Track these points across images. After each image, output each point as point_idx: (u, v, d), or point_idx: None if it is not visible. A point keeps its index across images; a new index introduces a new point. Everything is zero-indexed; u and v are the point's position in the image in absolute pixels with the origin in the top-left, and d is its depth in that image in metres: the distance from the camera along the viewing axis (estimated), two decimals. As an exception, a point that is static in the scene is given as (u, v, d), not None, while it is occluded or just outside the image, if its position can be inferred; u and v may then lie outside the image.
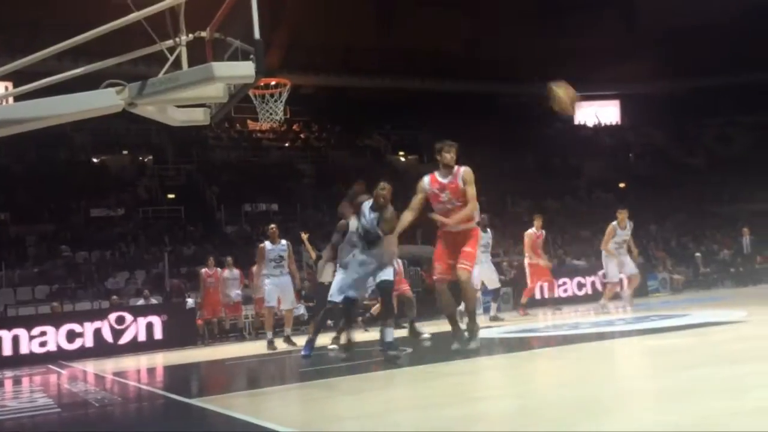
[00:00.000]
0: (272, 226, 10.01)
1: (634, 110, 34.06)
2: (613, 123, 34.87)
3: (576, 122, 33.95)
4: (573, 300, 16.61)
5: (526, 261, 12.90)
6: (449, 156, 6.24)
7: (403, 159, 28.60)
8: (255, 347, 10.39)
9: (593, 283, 17.36)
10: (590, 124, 34.18)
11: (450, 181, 6.19)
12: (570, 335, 7.65)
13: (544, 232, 13.10)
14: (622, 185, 28.09)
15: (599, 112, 34.48)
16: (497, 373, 5.19)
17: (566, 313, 12.54)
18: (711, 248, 21.58)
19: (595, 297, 16.93)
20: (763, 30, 28.44)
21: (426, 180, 6.32)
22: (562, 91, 6.27)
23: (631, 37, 31.12)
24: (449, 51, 30.06)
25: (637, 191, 26.66)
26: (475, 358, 6.02)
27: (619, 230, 11.01)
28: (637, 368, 4.74)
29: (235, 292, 13.67)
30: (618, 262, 11.03)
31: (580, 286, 17.43)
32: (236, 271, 13.84)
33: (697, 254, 20.38)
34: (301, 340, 9.74)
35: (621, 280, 11.82)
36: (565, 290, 17.04)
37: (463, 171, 6.21)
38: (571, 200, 26.31)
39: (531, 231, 12.78)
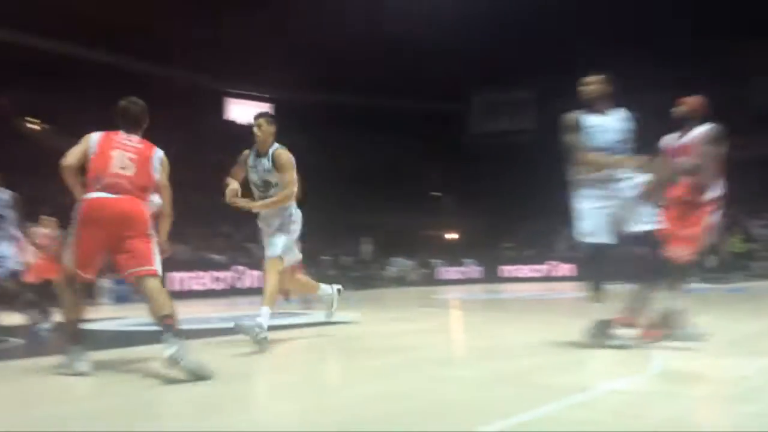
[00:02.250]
0: None
1: (285, 114, 35.89)
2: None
3: (225, 118, 34.50)
4: (210, 294, 16.77)
5: None
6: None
7: (34, 126, 25.63)
8: None
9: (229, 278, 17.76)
10: (241, 122, 35.00)
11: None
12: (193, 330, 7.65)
13: None
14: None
15: (252, 113, 35.47)
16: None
17: (200, 308, 12.54)
18: (335, 253, 23.72)
19: (231, 292, 17.36)
20: (400, 62, 32.62)
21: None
22: None
23: (285, 45, 32.65)
24: (103, 18, 27.93)
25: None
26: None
27: None
28: (254, 365, 4.94)
29: None
30: None
31: (217, 279, 17.68)
32: None
33: (323, 257, 22.25)
34: None
35: None
36: (202, 284, 17.15)
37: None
38: (218, 195, 26.47)
39: None
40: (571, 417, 2.98)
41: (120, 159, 4.56)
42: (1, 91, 25.53)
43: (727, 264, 21.02)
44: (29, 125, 25.57)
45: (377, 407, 3.28)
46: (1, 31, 26.15)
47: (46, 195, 20.17)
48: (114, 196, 4.43)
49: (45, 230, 9.74)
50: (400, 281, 24.44)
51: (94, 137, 4.69)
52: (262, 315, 5.39)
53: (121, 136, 4.69)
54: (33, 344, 6.65)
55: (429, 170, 35.05)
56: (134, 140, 4.71)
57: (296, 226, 6.02)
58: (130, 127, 4.77)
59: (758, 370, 3.96)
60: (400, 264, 25.40)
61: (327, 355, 5.64)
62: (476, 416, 3.02)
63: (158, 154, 4.75)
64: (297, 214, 6.07)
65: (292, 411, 3.28)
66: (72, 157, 4.60)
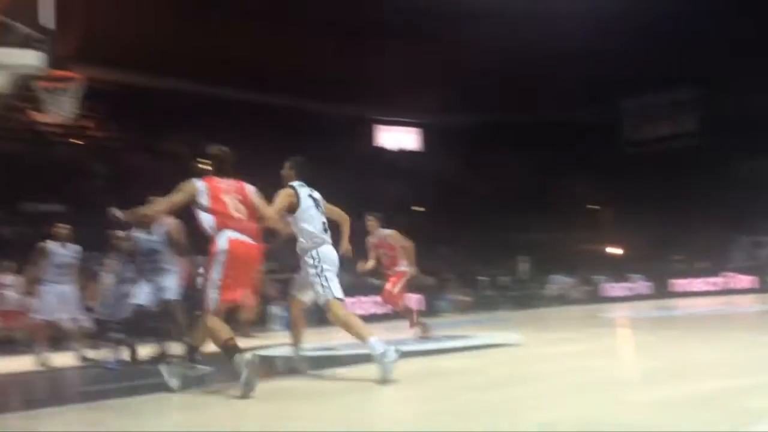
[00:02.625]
0: (63, 225, 8.94)
1: (432, 139, 36.32)
2: (413, 149, 36.81)
3: (377, 144, 35.44)
4: (373, 318, 17.11)
5: None
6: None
7: (205, 167, 27.77)
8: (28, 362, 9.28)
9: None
10: (391, 147, 35.79)
11: None
12: (362, 354, 7.79)
13: None
14: (418, 209, 29.63)
15: (400, 138, 36.24)
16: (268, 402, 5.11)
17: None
18: (492, 273, 23.41)
19: (392, 316, 17.63)
20: (544, 76, 31.97)
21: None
22: None
23: (434, 69, 33.06)
24: (257, 61, 29.83)
25: (431, 216, 28.25)
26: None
27: None
28: (420, 390, 4.92)
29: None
30: None
31: (376, 304, 17.99)
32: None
33: (481, 277, 22.02)
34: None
35: None
36: (363, 308, 17.57)
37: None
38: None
39: None
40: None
41: (233, 203, 5.04)
42: (176, 137, 28.07)
43: None
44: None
45: None
46: (175, 80, 28.79)
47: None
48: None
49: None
50: (562, 300, 23.55)
51: (200, 184, 5.15)
52: (372, 345, 5.12)
53: (224, 182, 5.20)
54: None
55: (582, 183, 33.78)
56: (233, 183, 5.22)
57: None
58: (228, 171, 5.32)
59: None
60: (559, 281, 24.51)
61: (489, 380, 5.47)
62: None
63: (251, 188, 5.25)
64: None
65: None
66: (166, 204, 5.28)
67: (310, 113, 32.18)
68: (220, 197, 4.99)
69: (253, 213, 5.08)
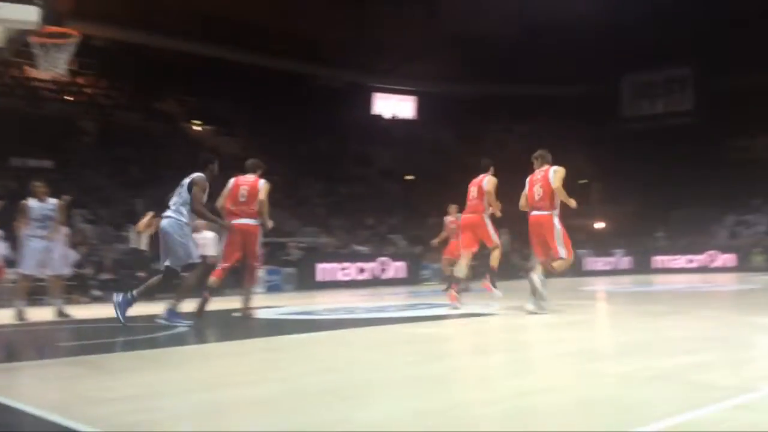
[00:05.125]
0: (38, 183, 9.11)
1: (428, 107, 36.11)
2: (408, 117, 36.65)
3: (372, 112, 35.21)
4: (354, 284, 17.26)
5: None
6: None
7: (198, 128, 27.60)
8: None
9: (373, 269, 18.20)
10: (386, 115, 35.57)
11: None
12: (343, 320, 7.97)
13: None
14: (409, 177, 29.63)
15: (396, 106, 36.04)
16: (263, 356, 5.25)
17: (344, 298, 12.98)
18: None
19: (374, 282, 17.81)
20: (541, 47, 31.77)
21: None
22: None
23: (430, 38, 32.81)
24: (256, 23, 29.49)
25: (423, 185, 28.32)
26: (244, 340, 6.17)
27: None
28: (398, 355, 5.04)
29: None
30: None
31: (361, 270, 18.15)
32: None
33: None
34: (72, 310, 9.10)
35: None
36: (347, 274, 17.66)
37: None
38: (360, 187, 27.24)
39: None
40: (733, 420, 2.79)
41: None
42: (170, 97, 27.84)
43: None
44: (195, 128, 27.56)
45: (524, 402, 3.23)
46: (172, 41, 28.39)
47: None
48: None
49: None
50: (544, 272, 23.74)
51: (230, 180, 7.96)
52: None
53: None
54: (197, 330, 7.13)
55: (576, 157, 33.82)
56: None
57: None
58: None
59: None
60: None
61: (465, 348, 5.64)
62: (628, 415, 2.91)
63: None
64: None
65: (436, 405, 3.28)
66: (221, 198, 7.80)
67: (308, 77, 31.93)
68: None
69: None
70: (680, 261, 25.43)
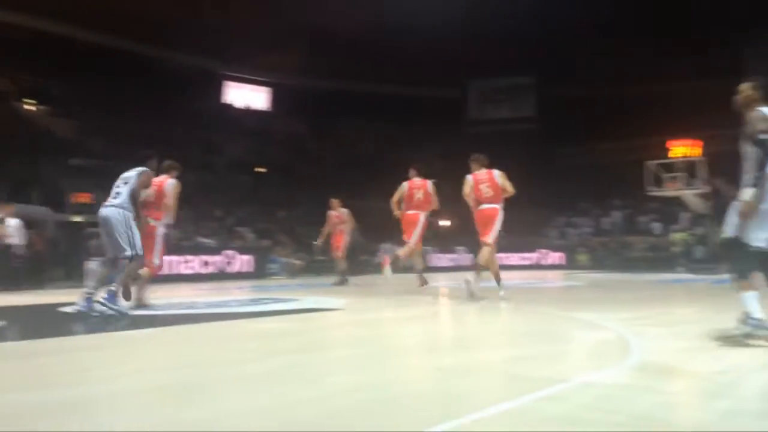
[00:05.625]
0: None
1: (282, 100, 35.77)
2: (261, 108, 36.07)
3: (224, 101, 34.32)
4: (197, 278, 16.68)
5: None
6: None
7: (31, 107, 25.50)
8: None
9: (218, 263, 17.72)
10: (239, 105, 34.79)
11: None
12: (179, 315, 7.67)
13: None
14: (260, 169, 29.17)
15: (249, 96, 35.34)
16: (85, 354, 4.93)
17: (185, 292, 12.53)
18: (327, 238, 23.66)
19: (219, 276, 17.33)
20: (398, 48, 32.50)
21: None
22: None
23: (287, 30, 32.45)
24: (101, 0, 27.67)
25: (274, 177, 27.98)
26: (66, 337, 5.77)
27: None
28: (235, 352, 4.93)
29: None
30: None
31: (206, 264, 17.60)
32: None
33: (315, 242, 22.19)
34: None
35: None
36: (190, 267, 17.05)
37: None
38: (208, 177, 26.43)
39: None
40: (541, 411, 2.98)
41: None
42: (2, 75, 25.43)
43: (715, 255, 21.03)
44: (27, 107, 25.42)
45: (350, 399, 3.27)
46: (4, 14, 25.97)
47: (38, 176, 20.14)
48: None
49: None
50: (392, 268, 24.32)
51: None
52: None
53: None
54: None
55: (429, 157, 34.91)
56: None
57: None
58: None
59: (733, 365, 3.97)
60: (389, 250, 25.29)
61: (304, 344, 5.63)
62: (445, 408, 3.02)
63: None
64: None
65: (263, 404, 3.24)
66: None
67: (155, 60, 30.43)
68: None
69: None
70: (515, 258, 27.04)
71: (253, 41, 30.72)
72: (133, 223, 7.13)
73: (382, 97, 35.60)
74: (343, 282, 14.16)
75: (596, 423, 2.79)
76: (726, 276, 16.80)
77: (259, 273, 18.33)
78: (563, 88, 35.05)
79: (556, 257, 26.66)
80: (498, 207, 9.53)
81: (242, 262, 18.36)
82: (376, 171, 29.75)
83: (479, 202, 9.50)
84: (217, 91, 34.99)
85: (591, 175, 30.28)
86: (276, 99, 36.26)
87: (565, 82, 34.63)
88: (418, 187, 11.10)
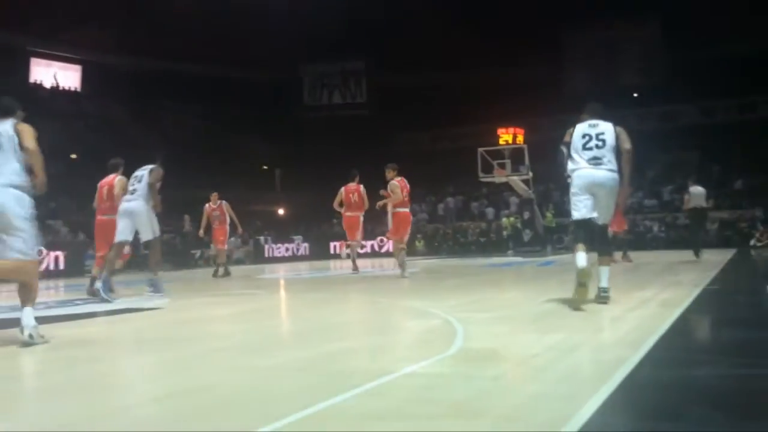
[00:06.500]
0: None
1: (96, 79, 33.25)
2: (72, 88, 33.33)
3: (32, 81, 31.35)
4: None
5: None
6: None
7: None
8: None
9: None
10: (46, 84, 31.91)
11: None
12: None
13: None
14: (73, 156, 27.02)
15: (58, 75, 32.51)
16: None
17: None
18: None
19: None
20: (227, 29, 31.46)
21: None
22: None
23: (104, 4, 30.21)
24: None
25: (89, 164, 25.96)
26: None
27: None
28: (31, 364, 4.44)
29: None
30: None
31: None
32: None
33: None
34: None
35: None
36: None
37: None
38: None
39: None
40: (359, 408, 2.89)
41: None
42: None
43: (540, 238, 22.58)
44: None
45: (167, 405, 3.07)
46: None
47: None
48: None
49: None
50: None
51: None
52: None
53: None
54: None
55: (261, 143, 34.21)
56: None
57: None
58: None
59: (546, 348, 4.13)
60: (233, 243, 24.51)
61: (119, 349, 5.17)
62: (263, 410, 2.89)
63: None
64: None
65: (73, 415, 2.94)
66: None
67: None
68: None
69: None
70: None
71: (62, 14, 28.20)
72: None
73: (208, 80, 34.36)
74: (226, 274, 14.50)
75: (414, 417, 2.75)
76: (549, 258, 18.18)
77: (73, 271, 16.92)
78: (393, 75, 35.85)
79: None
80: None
81: (53, 258, 16.92)
82: (201, 158, 28.68)
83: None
84: (24, 68, 31.76)
85: (427, 162, 31.26)
86: (89, 78, 33.52)
87: (395, 68, 35.42)
88: (353, 191, 12.52)
